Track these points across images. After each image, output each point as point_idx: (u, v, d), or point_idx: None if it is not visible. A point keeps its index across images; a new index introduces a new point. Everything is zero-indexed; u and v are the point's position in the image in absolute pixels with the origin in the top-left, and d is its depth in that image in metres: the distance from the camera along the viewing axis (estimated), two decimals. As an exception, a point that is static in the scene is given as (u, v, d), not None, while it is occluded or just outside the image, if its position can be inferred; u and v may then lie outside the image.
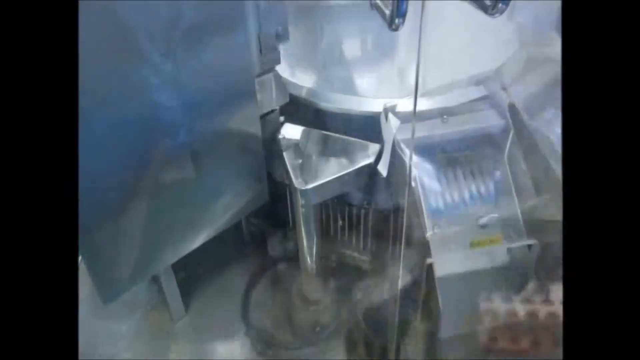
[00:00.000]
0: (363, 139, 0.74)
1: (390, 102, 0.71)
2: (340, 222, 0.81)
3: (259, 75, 0.71)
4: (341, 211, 0.80)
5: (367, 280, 0.82)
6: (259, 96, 0.73)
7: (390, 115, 0.69)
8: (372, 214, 0.77)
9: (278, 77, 0.74)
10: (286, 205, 0.83)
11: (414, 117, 0.65)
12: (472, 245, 0.62)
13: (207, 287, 0.87)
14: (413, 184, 0.66)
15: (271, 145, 0.77)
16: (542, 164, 0.69)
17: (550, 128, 0.72)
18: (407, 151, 0.67)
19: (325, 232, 0.81)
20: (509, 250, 0.65)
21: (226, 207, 0.75)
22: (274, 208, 0.86)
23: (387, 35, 0.91)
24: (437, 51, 0.90)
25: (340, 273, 0.83)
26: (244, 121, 0.72)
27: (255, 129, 0.74)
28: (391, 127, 0.68)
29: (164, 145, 0.64)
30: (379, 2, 0.69)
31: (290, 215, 0.84)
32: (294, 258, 0.83)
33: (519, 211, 0.64)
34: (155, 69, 0.59)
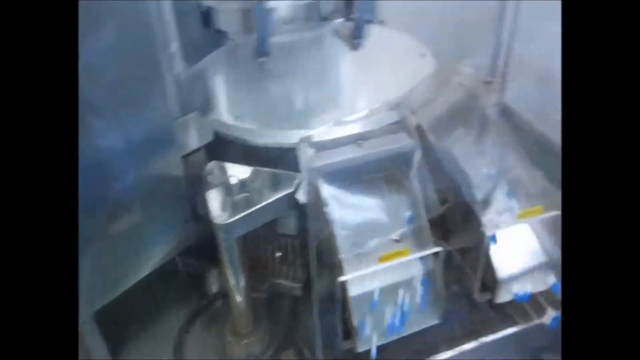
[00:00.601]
0: (287, 170, 0.77)
1: (307, 133, 0.74)
2: (270, 253, 0.81)
3: (180, 117, 0.74)
4: (271, 241, 0.81)
5: (301, 307, 0.82)
6: (180, 137, 0.75)
7: (305, 145, 0.72)
8: (299, 241, 0.78)
9: (199, 117, 0.77)
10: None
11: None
12: (381, 259, 0.63)
13: (139, 334, 0.85)
14: (326, 208, 0.68)
15: (199, 184, 0.78)
16: (446, 177, 0.72)
17: (453, 145, 0.76)
18: (321, 178, 0.69)
19: (256, 264, 0.82)
20: (423, 261, 0.67)
21: (152, 250, 0.76)
22: (209, 245, 0.87)
23: (305, 71, 0.96)
24: (352, 83, 0.96)
25: (274, 302, 0.83)
26: (166, 163, 0.74)
27: (177, 170, 0.76)
28: (307, 156, 0.71)
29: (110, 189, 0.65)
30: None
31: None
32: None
33: (426, 222, 0.66)
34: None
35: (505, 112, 0.85)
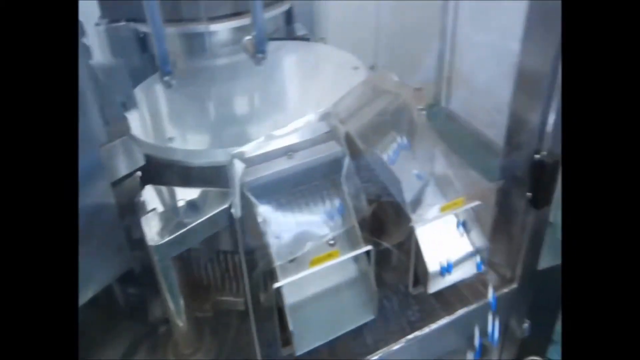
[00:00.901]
0: (222, 188, 0.78)
1: (238, 149, 0.75)
2: (212, 271, 0.82)
3: (107, 142, 0.74)
4: (212, 259, 0.81)
5: (246, 321, 0.83)
6: (109, 164, 0.75)
7: (235, 160, 0.73)
8: (237, 256, 0.79)
9: (128, 142, 0.77)
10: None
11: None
12: (312, 263, 0.65)
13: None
14: (260, 220, 0.69)
15: (132, 210, 0.78)
16: (374, 179, 0.75)
17: (384, 150, 0.79)
18: (253, 191, 0.71)
19: (198, 283, 0.82)
20: (356, 261, 0.70)
21: (86, 280, 0.74)
22: (148, 272, 0.87)
23: (238, 91, 0.99)
24: (284, 98, 0.99)
25: (218, 320, 0.83)
26: (95, 192, 0.74)
27: (108, 198, 0.76)
28: (238, 172, 0.72)
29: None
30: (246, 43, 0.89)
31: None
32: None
33: (356, 223, 0.69)
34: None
35: (448, 116, 0.89)
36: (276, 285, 0.65)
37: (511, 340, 1.08)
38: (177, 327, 0.76)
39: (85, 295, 0.75)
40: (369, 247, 0.68)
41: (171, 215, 0.74)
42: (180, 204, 0.76)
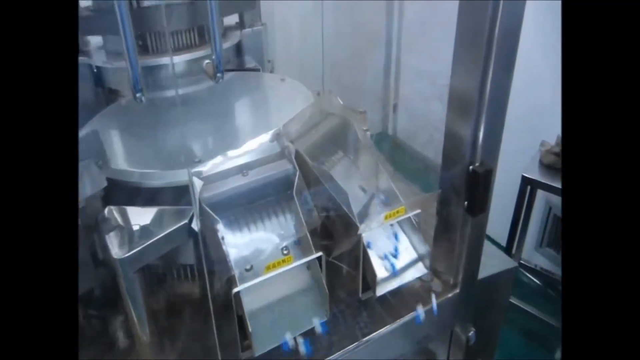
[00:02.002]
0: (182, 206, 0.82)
1: (196, 169, 0.81)
2: (173, 285, 0.86)
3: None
4: (172, 273, 0.85)
5: (208, 332, 0.86)
6: (71, 184, 0.78)
7: (194, 178, 0.79)
8: (199, 269, 0.83)
9: (90, 165, 0.81)
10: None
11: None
12: (268, 268, 0.71)
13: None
14: (218, 233, 0.74)
15: (94, 230, 0.82)
16: (324, 192, 0.82)
17: (332, 167, 0.87)
18: (211, 206, 0.76)
19: (160, 299, 0.85)
20: (309, 268, 0.76)
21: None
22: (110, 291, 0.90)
23: (195, 117, 1.05)
24: (236, 123, 1.06)
25: (180, 331, 0.87)
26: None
27: (73, 216, 0.79)
28: (196, 187, 0.78)
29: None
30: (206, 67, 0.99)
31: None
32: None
33: (307, 233, 0.75)
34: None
35: (395, 142, 0.98)
36: (235, 290, 0.69)
37: (457, 345, 1.15)
38: (140, 339, 0.79)
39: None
40: (319, 254, 0.75)
41: (134, 232, 0.78)
42: (143, 221, 0.80)
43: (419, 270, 0.87)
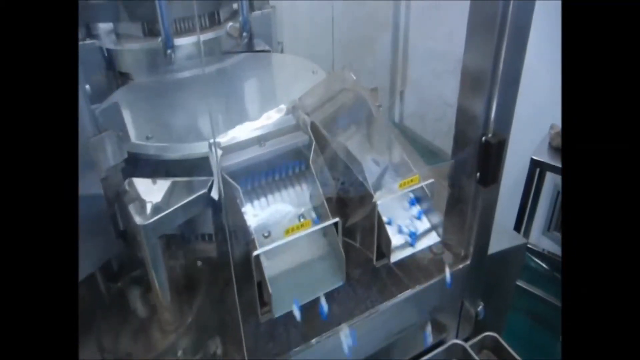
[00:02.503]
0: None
1: (215, 139, 0.83)
2: (192, 255, 0.88)
3: (94, 136, 0.80)
4: (191, 244, 0.87)
5: (225, 298, 0.89)
6: (95, 156, 0.81)
7: (214, 148, 0.81)
8: (218, 238, 0.86)
9: (112, 135, 0.83)
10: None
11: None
12: (287, 232, 0.73)
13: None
14: (238, 201, 0.77)
15: (117, 201, 0.84)
16: (339, 161, 0.84)
17: (343, 136, 0.89)
18: (230, 175, 0.78)
19: (179, 269, 0.88)
20: (325, 235, 0.78)
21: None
22: (132, 268, 0.93)
23: (208, 94, 1.07)
24: (251, 98, 1.08)
25: (199, 298, 0.89)
26: (85, 182, 0.79)
27: (96, 187, 0.81)
28: (216, 157, 0.80)
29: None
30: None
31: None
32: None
33: (324, 200, 0.77)
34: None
35: (402, 131, 0.99)
36: (255, 252, 0.72)
37: (466, 319, 1.17)
38: (160, 304, 0.82)
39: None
40: (336, 219, 0.77)
41: (156, 201, 0.80)
42: (163, 192, 0.82)
43: (432, 239, 0.89)
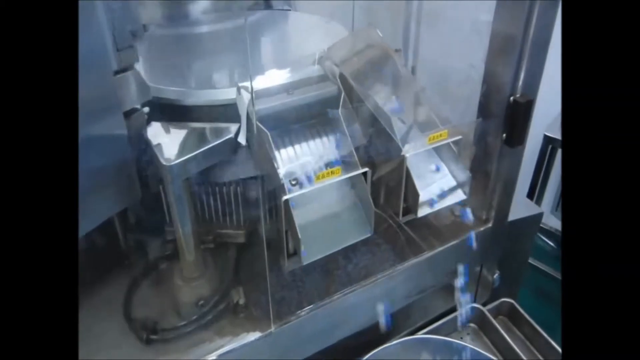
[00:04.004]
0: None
1: (241, 83, 0.81)
2: (212, 204, 0.87)
3: (117, 73, 0.78)
4: (212, 193, 0.86)
5: (246, 251, 0.88)
6: (119, 94, 0.78)
7: (242, 90, 0.79)
8: (240, 186, 0.84)
9: (137, 74, 0.80)
10: (160, 204, 0.88)
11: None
12: (317, 178, 0.72)
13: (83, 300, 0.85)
14: (267, 146, 0.75)
15: (138, 144, 0.82)
16: (367, 113, 0.82)
17: (371, 89, 0.87)
18: (259, 120, 0.77)
19: (200, 218, 0.87)
20: (353, 187, 0.77)
21: (94, 206, 0.77)
22: (150, 215, 0.91)
23: (231, 46, 1.05)
24: (276, 50, 1.06)
25: (219, 251, 0.88)
26: (107, 120, 0.77)
27: (120, 127, 0.79)
28: (244, 100, 0.78)
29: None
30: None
31: (166, 211, 0.88)
32: (173, 255, 0.87)
33: (353, 150, 0.76)
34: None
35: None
36: (285, 197, 0.70)
37: (484, 283, 1.17)
38: (183, 251, 0.81)
39: (97, 219, 0.77)
40: (365, 169, 0.75)
41: (182, 144, 0.79)
42: (190, 136, 0.81)
43: (458, 196, 0.88)
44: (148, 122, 0.84)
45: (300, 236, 0.71)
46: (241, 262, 0.88)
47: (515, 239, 1.16)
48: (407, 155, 0.81)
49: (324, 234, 0.76)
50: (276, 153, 0.77)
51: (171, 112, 0.87)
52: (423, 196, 0.85)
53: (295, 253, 0.77)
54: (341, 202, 0.79)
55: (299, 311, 0.82)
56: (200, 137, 0.80)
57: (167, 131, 0.82)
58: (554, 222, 2.30)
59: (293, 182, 0.76)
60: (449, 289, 1.08)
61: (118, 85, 0.78)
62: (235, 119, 0.81)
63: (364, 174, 0.76)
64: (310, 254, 0.74)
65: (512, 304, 1.14)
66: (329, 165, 0.76)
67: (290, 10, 1.34)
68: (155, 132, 0.82)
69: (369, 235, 0.78)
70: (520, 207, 1.15)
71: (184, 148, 0.78)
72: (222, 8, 1.19)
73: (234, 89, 0.81)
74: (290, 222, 0.73)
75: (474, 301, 1.15)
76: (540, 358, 1.05)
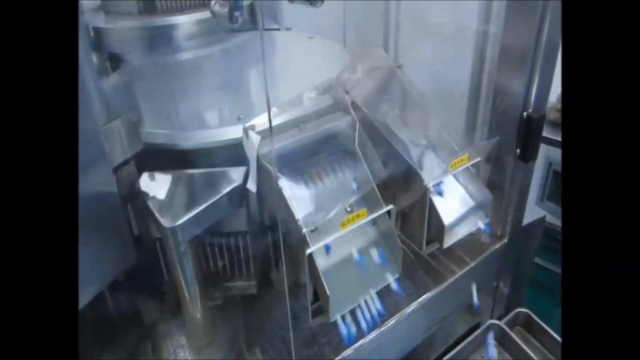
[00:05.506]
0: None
1: (248, 123, 0.73)
2: (219, 256, 0.79)
3: (105, 123, 0.68)
4: (219, 245, 0.78)
5: (258, 302, 0.81)
6: (107, 146, 0.69)
7: (250, 132, 0.71)
8: (250, 236, 0.77)
9: (128, 123, 0.71)
10: (156, 264, 0.79)
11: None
12: (343, 224, 0.65)
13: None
14: (282, 191, 0.68)
15: (131, 199, 0.73)
16: (384, 142, 0.76)
17: (385, 116, 0.81)
18: (271, 162, 0.69)
19: (206, 272, 0.78)
20: (375, 224, 0.70)
21: (87, 278, 0.68)
22: (143, 273, 0.81)
23: (224, 77, 0.96)
24: (275, 79, 0.97)
25: (229, 306, 0.80)
26: (96, 178, 0.68)
27: (110, 185, 0.69)
28: (253, 143, 0.70)
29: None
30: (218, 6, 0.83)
31: (164, 268, 0.79)
32: (173, 316, 0.78)
33: (375, 188, 0.70)
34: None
35: None
36: (309, 250, 0.63)
37: (500, 298, 1.14)
38: (190, 317, 0.72)
39: (89, 293, 0.68)
40: (390, 207, 0.69)
41: (182, 198, 0.70)
42: (190, 186, 0.72)
43: (481, 219, 0.83)
44: (141, 172, 0.75)
45: (328, 293, 0.64)
46: (251, 316, 0.81)
47: (524, 244, 1.14)
48: (429, 185, 0.75)
49: (348, 281, 0.70)
50: (293, 200, 0.69)
51: (165, 158, 0.78)
52: (447, 220, 0.79)
53: (317, 301, 0.71)
54: (363, 242, 0.73)
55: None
56: (205, 187, 0.72)
57: (164, 182, 0.73)
58: (539, 213, 2.31)
59: (312, 229, 0.69)
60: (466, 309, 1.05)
61: (106, 137, 0.68)
62: (239, 160, 0.74)
63: (389, 210, 0.70)
64: (337, 306, 0.68)
65: (528, 314, 1.12)
66: (349, 205, 0.70)
67: (279, 29, 1.26)
68: (149, 184, 0.73)
69: (397, 276, 0.72)
70: (526, 212, 1.12)
71: (186, 202, 0.69)
72: (206, 32, 1.09)
73: (237, 127, 0.73)
74: (316, 276, 0.66)
75: (491, 316, 1.11)
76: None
